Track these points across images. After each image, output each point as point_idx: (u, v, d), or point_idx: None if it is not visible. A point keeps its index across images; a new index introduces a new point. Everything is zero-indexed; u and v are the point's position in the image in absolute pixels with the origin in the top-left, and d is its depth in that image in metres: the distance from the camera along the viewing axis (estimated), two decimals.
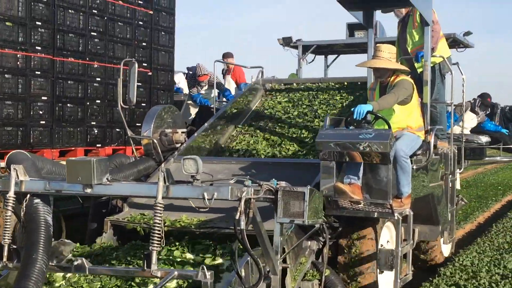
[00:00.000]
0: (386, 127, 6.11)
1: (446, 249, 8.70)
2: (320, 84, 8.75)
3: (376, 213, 5.88)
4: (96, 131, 10.17)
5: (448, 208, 7.87)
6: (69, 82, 9.62)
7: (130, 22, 10.85)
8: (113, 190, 4.92)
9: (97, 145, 10.13)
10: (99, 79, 10.18)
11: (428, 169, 6.83)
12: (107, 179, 4.73)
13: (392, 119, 6.28)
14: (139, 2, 11.03)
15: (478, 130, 10.78)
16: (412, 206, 7.02)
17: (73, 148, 9.74)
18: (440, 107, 7.94)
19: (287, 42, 10.65)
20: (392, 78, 6.35)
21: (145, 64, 11.19)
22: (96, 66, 10.11)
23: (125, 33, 10.75)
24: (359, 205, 5.92)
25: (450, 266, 7.38)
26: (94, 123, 10.15)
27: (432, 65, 7.89)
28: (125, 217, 6.29)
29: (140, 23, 11.08)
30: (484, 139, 9.48)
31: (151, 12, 11.31)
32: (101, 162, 4.70)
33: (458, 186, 9.82)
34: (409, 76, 8.14)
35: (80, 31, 9.80)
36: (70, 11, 9.60)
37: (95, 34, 10.08)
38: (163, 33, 11.64)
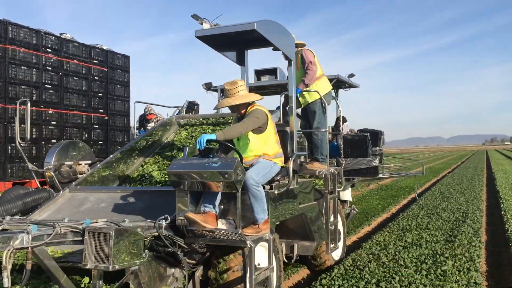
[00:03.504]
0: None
1: (336, 254, 6.59)
2: (221, 118, 6.74)
3: (227, 242, 3.85)
4: None
5: (330, 222, 5.79)
6: (22, 125, 7.58)
7: (85, 77, 8.89)
8: None
9: None
10: (54, 123, 8.18)
11: (297, 192, 4.80)
12: None
13: (248, 147, 4.31)
14: (94, 61, 9.08)
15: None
16: (288, 225, 5.03)
17: (28, 180, 7.70)
18: (321, 134, 5.96)
19: (208, 86, 8.65)
20: (248, 108, 4.36)
21: (102, 111, 9.21)
22: (51, 112, 8.11)
23: (81, 85, 8.78)
24: (213, 234, 3.87)
25: (369, 241, 7.12)
26: None
27: (314, 100, 5.99)
28: None
29: (96, 78, 9.12)
30: (377, 161, 7.41)
31: (106, 69, 9.36)
32: None
33: (349, 198, 7.75)
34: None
35: (34, 84, 7.82)
36: (22, 67, 7.63)
37: (49, 86, 8.10)
38: (118, 86, 9.68)
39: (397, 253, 6.34)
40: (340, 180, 7.13)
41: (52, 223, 2.76)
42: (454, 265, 5.69)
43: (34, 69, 7.83)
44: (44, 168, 5.50)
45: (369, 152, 7.50)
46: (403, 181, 19.14)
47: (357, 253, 6.45)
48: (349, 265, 5.89)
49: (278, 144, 4.40)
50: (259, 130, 4.23)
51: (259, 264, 4.26)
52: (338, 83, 8.23)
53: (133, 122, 7.53)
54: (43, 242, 2.65)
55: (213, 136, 3.92)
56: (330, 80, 7.84)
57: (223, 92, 4.38)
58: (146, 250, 3.74)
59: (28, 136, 5.30)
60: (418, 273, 5.41)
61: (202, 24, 4.59)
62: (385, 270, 5.55)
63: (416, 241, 7.08)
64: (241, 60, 5.40)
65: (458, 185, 16.01)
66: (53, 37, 8.23)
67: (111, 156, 5.89)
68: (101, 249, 2.77)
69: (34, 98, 7.81)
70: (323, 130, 5.82)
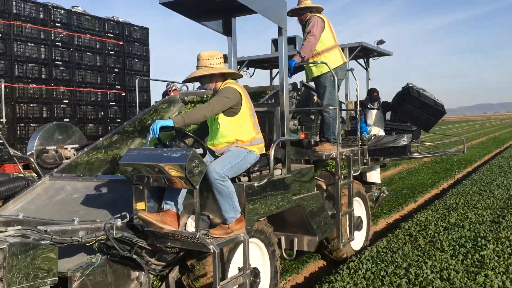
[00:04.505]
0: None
1: (356, 244, 5.89)
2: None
3: (189, 246, 3.30)
4: None
5: (342, 212, 5.07)
6: (31, 105, 7.37)
7: (100, 52, 8.51)
8: None
9: None
10: (66, 101, 7.91)
11: (289, 182, 4.11)
12: None
13: (219, 133, 3.60)
14: (109, 35, 8.67)
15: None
16: (286, 217, 4.42)
17: None
18: (333, 112, 5.17)
19: (224, 59, 7.93)
20: (222, 85, 3.67)
21: (119, 87, 8.83)
22: (62, 90, 7.84)
23: (95, 61, 8.43)
24: (174, 236, 3.31)
25: (409, 221, 6.53)
26: None
27: (322, 73, 5.22)
28: None
29: (111, 52, 8.72)
30: (406, 139, 6.47)
31: (122, 43, 8.93)
32: None
33: (377, 180, 6.95)
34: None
35: (42, 61, 7.54)
36: (29, 44, 7.35)
37: (60, 63, 7.80)
38: (136, 60, 9.25)
39: (436, 234, 5.72)
40: (365, 161, 6.35)
41: None
42: (494, 250, 5.03)
43: (42, 46, 7.54)
44: (28, 154, 5.16)
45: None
46: (462, 154, 17.95)
47: (394, 234, 6.03)
48: (382, 247, 5.39)
49: (256, 129, 3.70)
50: (232, 112, 3.55)
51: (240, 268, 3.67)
52: (366, 52, 7.29)
53: (137, 99, 7.04)
54: None
55: (168, 122, 3.28)
56: (353, 48, 6.92)
57: (197, 62, 3.72)
58: (98, 254, 3.26)
59: (3, 120, 4.96)
60: (453, 258, 4.83)
61: None
62: (419, 253, 4.99)
63: (459, 222, 6.38)
64: (227, 30, 4.65)
65: None
66: (63, 11, 7.88)
67: (102, 138, 5.44)
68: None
69: (43, 76, 7.55)
70: (332, 108, 5.03)
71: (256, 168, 3.65)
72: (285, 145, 4.02)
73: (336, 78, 5.04)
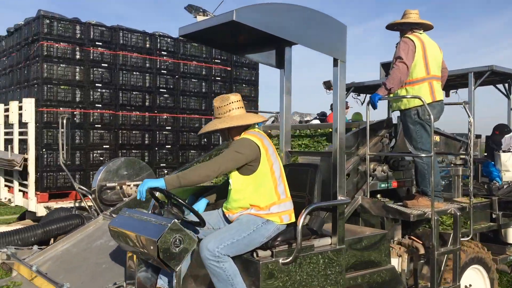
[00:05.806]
0: None
1: None
2: (319, 130, 5.30)
3: None
4: (166, 172, 7.83)
5: None
6: (133, 132, 7.50)
7: (205, 78, 8.38)
8: None
9: None
10: (169, 128, 7.90)
11: (340, 255, 3.14)
12: None
13: (231, 196, 2.86)
14: (216, 61, 8.49)
15: None
16: None
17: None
18: (427, 158, 4.04)
19: (328, 85, 7.16)
20: (242, 135, 2.95)
21: None
22: (166, 117, 7.85)
23: (200, 87, 8.32)
24: None
25: None
26: (164, 164, 7.87)
27: (406, 108, 4.17)
28: None
29: (218, 78, 8.54)
30: None
31: (229, 69, 8.69)
32: None
33: None
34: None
35: (147, 89, 7.64)
36: (134, 73, 7.50)
37: (164, 90, 7.83)
38: (244, 85, 8.92)
39: None
40: (494, 216, 4.97)
41: None
42: None
43: (147, 74, 7.64)
44: (92, 189, 5.05)
45: None
46: None
47: None
48: None
49: (279, 191, 2.84)
50: (248, 169, 2.78)
51: None
52: (504, 77, 5.78)
53: None
54: None
55: (158, 183, 2.65)
56: (481, 73, 5.53)
57: (214, 111, 3.08)
58: None
59: (65, 156, 4.92)
60: None
61: (196, 17, 3.26)
62: None
63: None
64: (279, 61, 3.85)
65: None
66: (169, 40, 7.91)
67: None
68: None
69: (147, 103, 7.63)
70: (424, 155, 3.86)
71: (277, 243, 2.81)
72: (336, 209, 3.08)
73: (421, 118, 3.95)
